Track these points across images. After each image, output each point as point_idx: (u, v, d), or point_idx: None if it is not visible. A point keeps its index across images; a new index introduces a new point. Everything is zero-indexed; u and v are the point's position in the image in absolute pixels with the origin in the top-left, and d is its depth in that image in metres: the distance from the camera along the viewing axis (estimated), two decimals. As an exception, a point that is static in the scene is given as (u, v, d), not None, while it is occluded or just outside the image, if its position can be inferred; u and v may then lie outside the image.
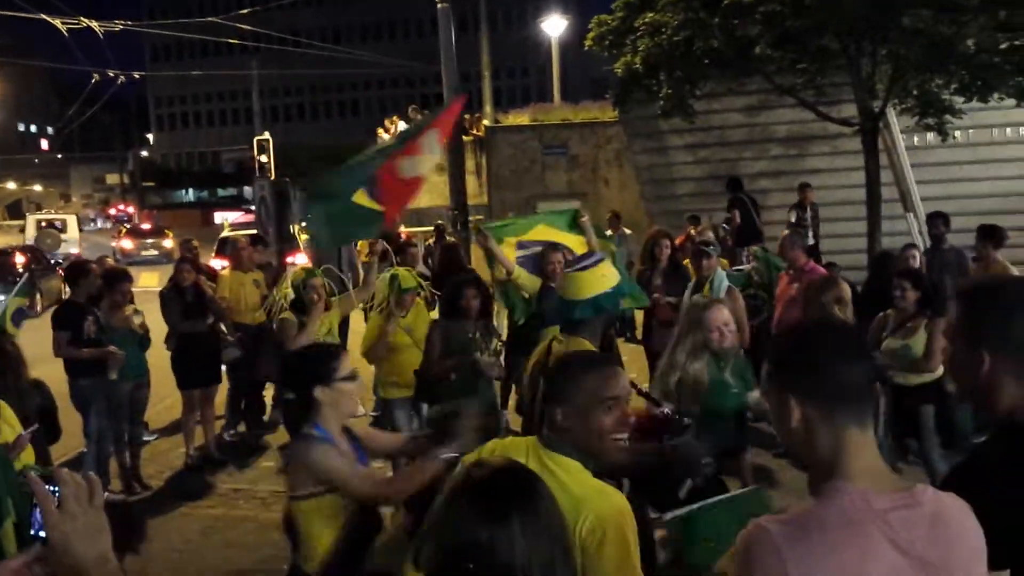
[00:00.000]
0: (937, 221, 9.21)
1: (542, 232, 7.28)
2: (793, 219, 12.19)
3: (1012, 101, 11.64)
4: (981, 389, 2.00)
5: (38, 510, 1.52)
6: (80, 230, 34.06)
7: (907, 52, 11.32)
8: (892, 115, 13.14)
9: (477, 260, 10.70)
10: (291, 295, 6.42)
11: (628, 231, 14.26)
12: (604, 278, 3.63)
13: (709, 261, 6.82)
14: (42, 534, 1.52)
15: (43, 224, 32.77)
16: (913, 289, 6.07)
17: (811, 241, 11.89)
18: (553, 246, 6.91)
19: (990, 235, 7.99)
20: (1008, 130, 14.83)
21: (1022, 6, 10.66)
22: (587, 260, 3.80)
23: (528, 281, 6.74)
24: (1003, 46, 11.17)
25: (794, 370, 1.79)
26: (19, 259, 22.89)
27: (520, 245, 7.17)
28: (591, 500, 2.24)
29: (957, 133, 12.71)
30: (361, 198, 6.35)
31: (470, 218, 16.39)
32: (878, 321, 6.25)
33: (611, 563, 2.17)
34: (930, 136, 12.66)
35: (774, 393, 1.82)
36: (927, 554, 1.65)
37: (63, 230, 31.88)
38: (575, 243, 7.13)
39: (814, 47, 11.88)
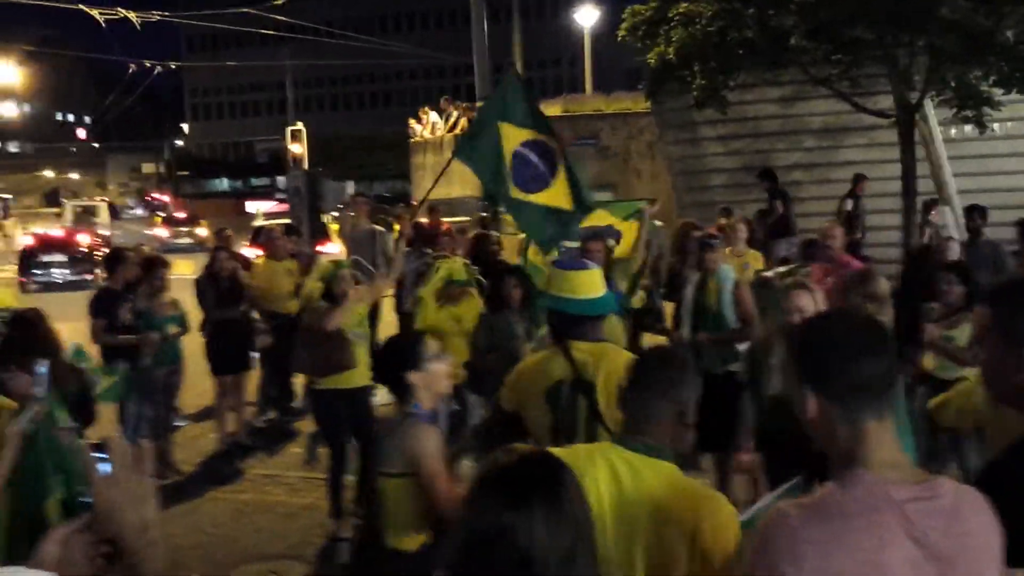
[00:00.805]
0: (974, 214, 9.08)
1: (599, 217, 7.28)
2: (849, 207, 12.14)
3: (1052, 93, 11.45)
4: (1020, 391, 1.97)
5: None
6: (116, 217, 36.60)
7: (944, 43, 11.14)
8: (929, 107, 12.95)
9: (509, 250, 10.69)
10: (321, 287, 6.46)
11: (659, 223, 14.15)
12: (595, 284, 3.60)
13: (713, 254, 6.57)
14: (90, 500, 1.55)
15: (79, 210, 35.36)
16: (959, 283, 6.00)
17: (859, 234, 11.82)
18: (595, 235, 6.93)
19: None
20: (1048, 122, 14.57)
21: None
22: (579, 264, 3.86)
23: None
24: (1043, 37, 10.99)
25: (810, 362, 1.79)
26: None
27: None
28: (708, 501, 2.38)
29: (995, 125, 12.51)
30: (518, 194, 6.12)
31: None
32: (923, 313, 6.17)
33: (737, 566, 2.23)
34: (967, 128, 12.47)
35: (793, 384, 1.81)
36: (941, 546, 1.64)
37: (95, 215, 34.32)
38: (627, 230, 7.13)
39: (849, 38, 11.73)
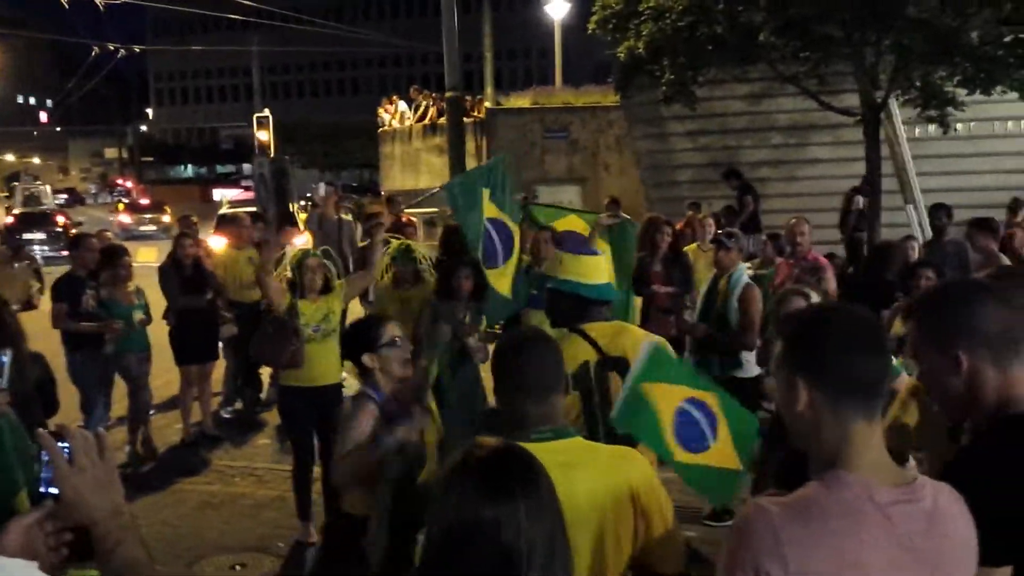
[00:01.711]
0: (940, 213, 9.20)
1: (571, 223, 7.33)
2: (860, 205, 12.19)
3: (1015, 95, 11.60)
4: (964, 391, 2.00)
5: (47, 468, 1.54)
6: (79, 203, 38.31)
7: (911, 43, 11.27)
8: (894, 106, 13.11)
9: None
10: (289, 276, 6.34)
11: (627, 217, 14.24)
12: (598, 269, 3.65)
13: (728, 254, 6.38)
14: (52, 491, 1.54)
15: (26, 193, 37.44)
16: (937, 278, 6.10)
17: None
18: (545, 229, 7.01)
19: (987, 227, 7.97)
20: (1010, 123, 14.83)
21: (1026, -1, 10.62)
22: (592, 247, 3.84)
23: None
24: (1007, 39, 11.13)
25: (807, 354, 1.75)
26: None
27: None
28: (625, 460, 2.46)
29: (959, 126, 12.68)
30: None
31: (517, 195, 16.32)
32: (893, 311, 6.25)
33: None
34: (932, 128, 12.63)
35: (783, 374, 1.79)
36: (924, 549, 1.65)
37: (40, 200, 36.04)
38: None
39: (818, 35, 11.82)
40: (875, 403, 1.73)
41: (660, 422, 3.18)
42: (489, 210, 6.26)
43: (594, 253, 3.75)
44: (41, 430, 1.57)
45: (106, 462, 1.58)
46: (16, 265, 16.17)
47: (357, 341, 3.81)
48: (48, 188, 41.17)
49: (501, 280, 6.35)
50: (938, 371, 2.03)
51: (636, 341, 3.36)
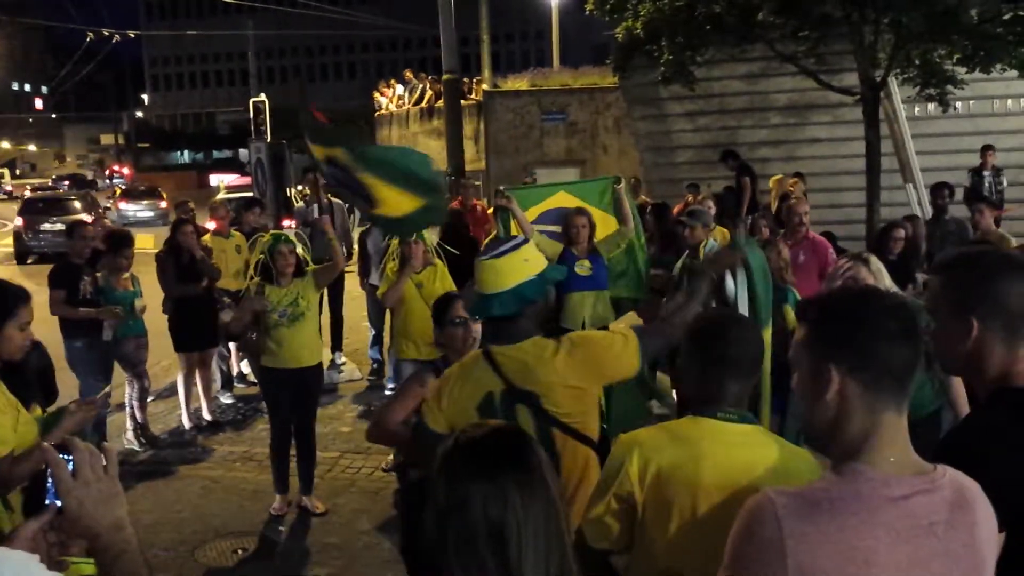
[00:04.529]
0: (942, 191, 9.19)
1: (562, 199, 7.26)
2: (969, 183, 11.94)
3: (1014, 72, 11.55)
4: (970, 357, 2.00)
5: (51, 479, 1.55)
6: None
7: (910, 21, 11.20)
8: (894, 85, 13.05)
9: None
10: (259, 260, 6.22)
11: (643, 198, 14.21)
12: (526, 264, 2.99)
13: (693, 232, 6.57)
14: (57, 503, 1.55)
15: None
16: (912, 235, 6.11)
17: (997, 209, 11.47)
18: (579, 210, 6.92)
19: (989, 203, 8.01)
20: (1009, 102, 14.76)
21: (1027, -24, 10.56)
22: (504, 245, 3.06)
23: (549, 246, 6.68)
24: (1006, 16, 11.06)
25: (841, 340, 1.68)
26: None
27: (540, 218, 7.18)
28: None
29: (958, 104, 12.64)
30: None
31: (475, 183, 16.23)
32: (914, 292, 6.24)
33: None
34: (931, 107, 12.59)
35: (809, 360, 1.73)
36: (950, 540, 1.61)
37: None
38: (599, 216, 7.08)
39: (816, 14, 11.75)
40: (907, 393, 1.69)
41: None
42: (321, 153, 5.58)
43: (500, 254, 3.00)
44: (45, 443, 1.59)
45: (110, 476, 1.59)
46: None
47: (434, 316, 4.15)
48: (7, 171, 44.59)
49: (394, 205, 5.43)
50: (948, 332, 2.03)
51: (553, 368, 2.86)
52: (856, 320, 1.70)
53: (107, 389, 4.79)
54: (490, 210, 8.98)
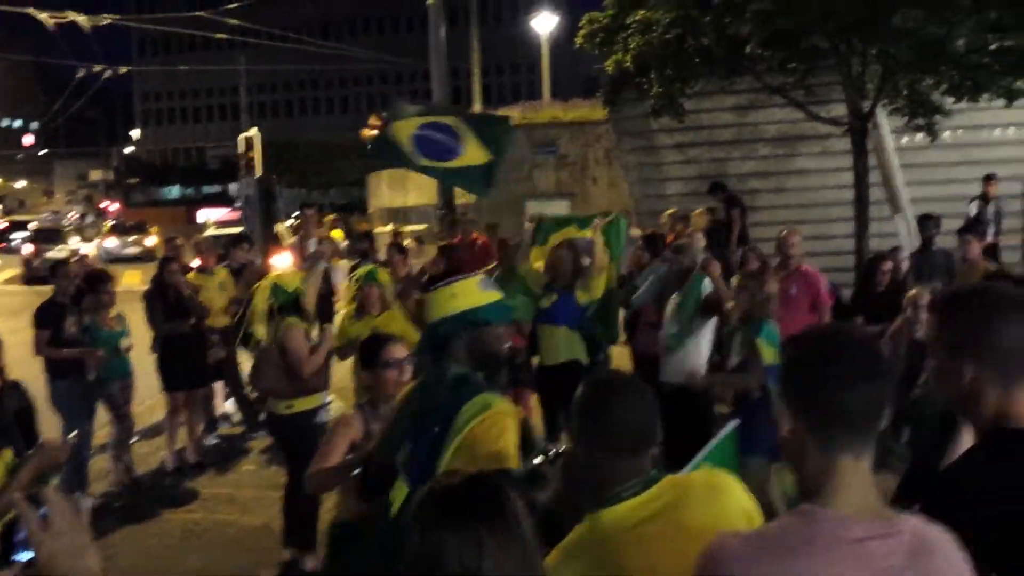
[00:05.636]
0: (929, 223, 9.19)
1: (568, 233, 7.35)
2: (973, 212, 11.85)
3: (1002, 102, 11.59)
4: (966, 397, 1.96)
5: (23, 530, 1.53)
6: None
7: (897, 52, 11.26)
8: (882, 115, 13.09)
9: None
10: (271, 304, 5.98)
11: (636, 231, 14.18)
12: (453, 298, 3.05)
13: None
14: (28, 554, 1.53)
15: None
16: (898, 269, 6.13)
17: (990, 238, 11.32)
18: (562, 243, 6.98)
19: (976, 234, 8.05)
20: (997, 131, 14.81)
21: (1012, 7, 10.61)
22: (447, 280, 3.24)
23: (535, 279, 6.97)
24: (993, 47, 11.12)
25: (795, 382, 1.70)
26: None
27: None
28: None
29: (946, 134, 12.68)
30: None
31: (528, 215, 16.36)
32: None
33: None
34: (919, 137, 12.63)
35: (780, 397, 1.74)
36: None
37: None
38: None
39: (804, 46, 11.81)
40: (866, 436, 1.65)
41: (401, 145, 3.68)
42: (408, 126, 6.54)
43: (435, 289, 3.19)
44: (17, 494, 1.58)
45: (83, 527, 1.57)
46: None
47: (362, 358, 4.07)
48: None
49: (473, 157, 6.55)
50: (943, 372, 2.01)
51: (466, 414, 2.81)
52: (805, 363, 1.69)
53: (74, 433, 4.73)
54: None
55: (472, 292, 3.07)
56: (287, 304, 5.77)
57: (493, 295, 3.10)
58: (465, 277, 3.21)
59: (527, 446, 2.86)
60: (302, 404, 5.77)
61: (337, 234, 17.52)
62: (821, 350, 1.70)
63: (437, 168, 6.61)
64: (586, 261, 6.86)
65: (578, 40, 14.26)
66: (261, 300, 5.85)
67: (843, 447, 1.63)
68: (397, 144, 6.42)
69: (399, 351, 3.89)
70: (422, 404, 2.94)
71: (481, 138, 6.51)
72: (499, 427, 2.77)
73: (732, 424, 3.36)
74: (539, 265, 7.24)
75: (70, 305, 7.30)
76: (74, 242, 30.03)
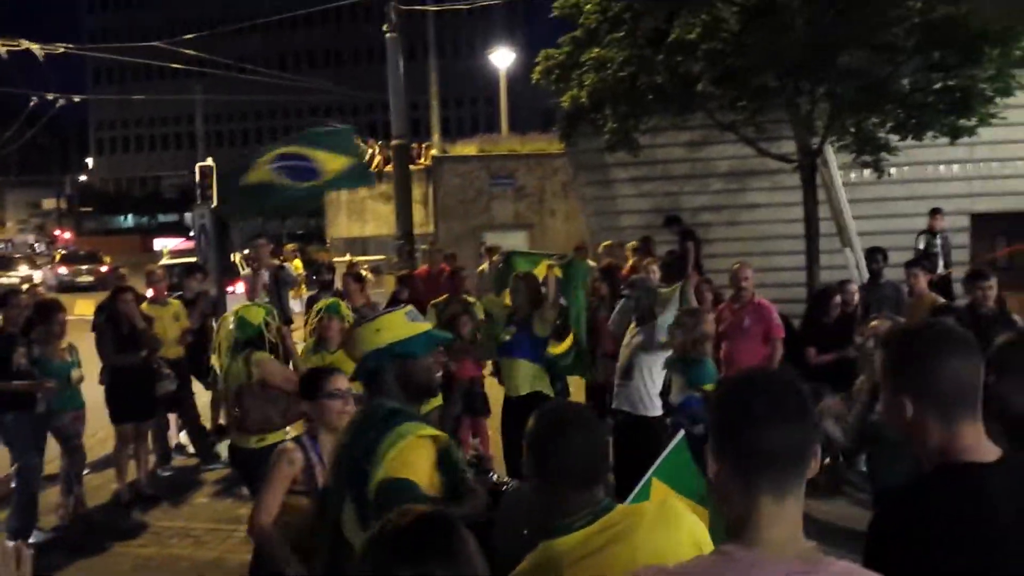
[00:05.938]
0: (876, 256, 9.40)
1: (540, 271, 7.43)
2: (921, 246, 12.11)
3: (945, 139, 11.95)
4: (911, 431, 2.02)
5: None
6: None
7: (844, 91, 11.58)
8: (830, 152, 13.41)
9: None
10: (237, 337, 5.94)
11: (592, 263, 14.31)
12: (378, 333, 3.03)
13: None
14: None
15: None
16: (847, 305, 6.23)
17: (941, 270, 11.65)
18: (519, 275, 7.11)
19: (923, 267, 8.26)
20: (942, 167, 15.24)
21: (954, 47, 10.97)
22: (374, 313, 3.27)
23: (499, 307, 7.23)
24: (937, 86, 11.47)
25: (717, 423, 1.70)
26: None
27: None
28: None
29: (893, 170, 13.02)
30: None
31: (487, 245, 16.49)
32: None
33: None
34: (867, 173, 12.95)
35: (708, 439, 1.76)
36: None
37: None
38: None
39: (755, 85, 12.09)
40: (786, 476, 1.63)
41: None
42: (263, 164, 7.75)
43: (362, 323, 3.19)
44: None
45: (23, 574, 1.56)
46: None
47: (302, 389, 3.96)
48: None
49: (335, 165, 7.67)
50: (890, 407, 2.06)
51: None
52: (725, 405, 1.70)
53: (11, 472, 4.66)
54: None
55: (398, 325, 3.06)
56: (253, 338, 5.66)
57: (420, 326, 3.10)
58: (391, 310, 3.18)
59: (450, 466, 2.87)
60: (274, 437, 5.66)
61: (296, 264, 17.48)
62: (740, 392, 1.70)
63: (316, 187, 7.54)
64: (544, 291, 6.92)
65: (535, 76, 14.44)
66: (225, 333, 5.75)
67: (764, 488, 1.62)
68: (249, 194, 7.31)
69: (342, 381, 3.88)
70: (354, 441, 2.91)
71: (330, 149, 7.43)
72: (402, 460, 2.76)
73: (680, 435, 3.39)
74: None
75: (19, 336, 7.19)
76: (24, 270, 30.06)
